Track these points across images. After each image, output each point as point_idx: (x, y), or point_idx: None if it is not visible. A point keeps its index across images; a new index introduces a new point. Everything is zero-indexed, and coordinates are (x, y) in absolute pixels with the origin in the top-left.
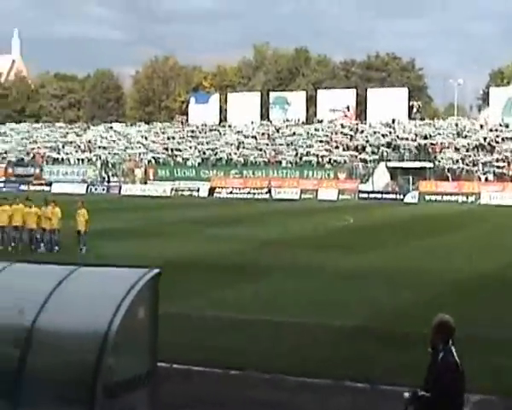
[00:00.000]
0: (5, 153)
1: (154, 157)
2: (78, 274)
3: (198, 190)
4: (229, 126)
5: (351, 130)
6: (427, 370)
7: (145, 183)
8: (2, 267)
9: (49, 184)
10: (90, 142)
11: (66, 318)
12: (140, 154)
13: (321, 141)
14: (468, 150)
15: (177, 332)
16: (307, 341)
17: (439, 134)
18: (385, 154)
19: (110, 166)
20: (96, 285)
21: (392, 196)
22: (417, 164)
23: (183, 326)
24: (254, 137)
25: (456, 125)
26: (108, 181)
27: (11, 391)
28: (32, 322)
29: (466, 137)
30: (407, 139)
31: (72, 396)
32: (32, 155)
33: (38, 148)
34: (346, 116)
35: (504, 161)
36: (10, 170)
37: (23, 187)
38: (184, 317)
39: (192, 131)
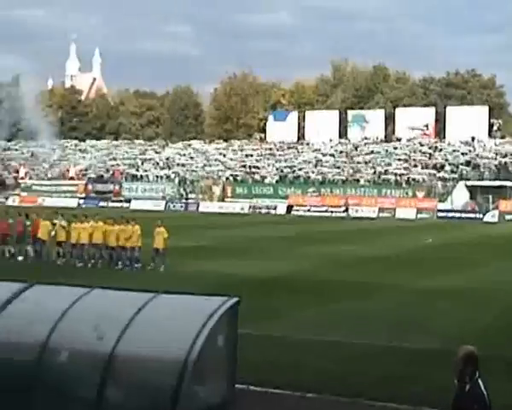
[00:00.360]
0: (85, 170)
1: (232, 174)
2: (158, 301)
3: (275, 208)
4: (307, 144)
5: (429, 148)
6: (454, 402)
7: (223, 200)
8: (83, 293)
9: (128, 201)
10: (168, 159)
11: (145, 345)
12: (218, 171)
13: (399, 159)
14: None
15: (256, 353)
16: (392, 363)
17: None
18: (464, 172)
19: (188, 183)
20: (175, 313)
21: (472, 215)
22: (497, 183)
23: (261, 347)
24: (332, 155)
25: None
26: (187, 198)
27: None
28: (111, 349)
29: None
30: (487, 158)
31: None
32: (111, 171)
33: (118, 165)
34: (425, 134)
35: None
36: (90, 186)
37: (102, 203)
38: (263, 337)
39: (270, 149)
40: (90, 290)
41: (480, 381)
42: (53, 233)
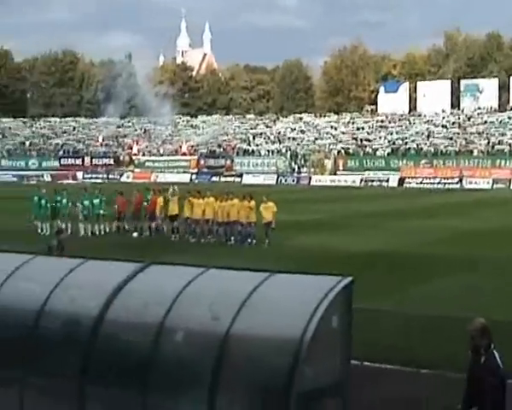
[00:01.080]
0: (197, 145)
1: (343, 148)
2: (272, 280)
3: (387, 181)
4: (419, 115)
5: None
6: (469, 372)
7: (335, 173)
8: (198, 273)
9: (240, 176)
10: (279, 133)
11: (260, 324)
12: (329, 144)
13: None
14: None
15: (363, 330)
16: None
17: None
18: None
19: (300, 157)
20: (289, 292)
21: None
22: None
23: (369, 323)
24: (445, 126)
25: None
26: (298, 172)
27: (207, 398)
28: (226, 329)
29: None
30: None
31: (266, 404)
32: (223, 146)
33: (229, 140)
34: None
35: None
36: (202, 162)
37: (214, 179)
38: (371, 313)
39: (381, 121)
40: (205, 270)
41: (495, 352)
42: (173, 209)
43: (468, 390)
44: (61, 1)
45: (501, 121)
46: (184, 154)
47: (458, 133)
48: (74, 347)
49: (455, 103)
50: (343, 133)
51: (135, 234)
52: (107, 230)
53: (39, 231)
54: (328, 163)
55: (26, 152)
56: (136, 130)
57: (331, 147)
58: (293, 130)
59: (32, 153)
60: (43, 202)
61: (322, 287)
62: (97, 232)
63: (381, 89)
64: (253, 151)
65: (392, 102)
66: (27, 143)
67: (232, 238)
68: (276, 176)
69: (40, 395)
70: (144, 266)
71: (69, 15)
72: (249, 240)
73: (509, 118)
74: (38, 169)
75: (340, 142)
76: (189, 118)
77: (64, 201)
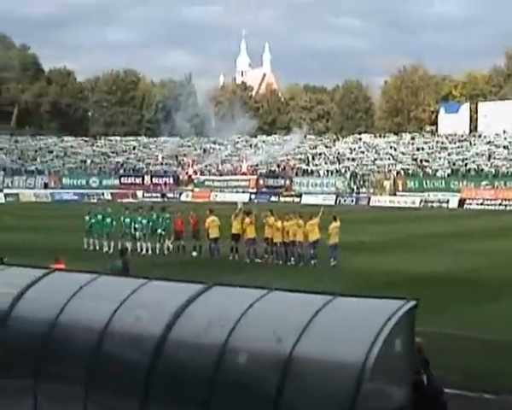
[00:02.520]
0: (256, 165)
1: (402, 168)
2: (335, 304)
3: (447, 202)
4: (480, 136)
5: None
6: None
7: (394, 194)
8: (260, 295)
9: (299, 196)
10: (339, 153)
11: (323, 347)
12: (389, 165)
13: None
14: None
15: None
16: None
17: None
18: None
19: (359, 177)
20: (352, 315)
21: None
22: None
23: (436, 344)
24: (506, 147)
25: None
26: (357, 192)
27: None
28: (290, 350)
29: None
30: None
31: None
32: (282, 166)
33: (288, 160)
34: None
35: None
36: (261, 182)
37: (273, 198)
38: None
39: (442, 142)
40: (268, 292)
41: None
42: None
43: None
44: (122, 21)
45: None
46: (244, 173)
47: None
48: (137, 366)
49: None
50: (403, 154)
51: (194, 253)
52: (167, 248)
53: (104, 249)
54: (388, 184)
55: (87, 170)
56: (195, 149)
57: (390, 167)
58: (352, 150)
59: (92, 171)
60: (108, 220)
61: (385, 310)
62: (157, 251)
63: (442, 109)
64: (312, 171)
65: (452, 122)
66: (88, 161)
67: (292, 259)
68: (335, 196)
69: None
70: (207, 287)
71: (129, 36)
72: (312, 261)
73: None
74: (99, 188)
75: (400, 162)
76: (248, 137)
77: (127, 220)
